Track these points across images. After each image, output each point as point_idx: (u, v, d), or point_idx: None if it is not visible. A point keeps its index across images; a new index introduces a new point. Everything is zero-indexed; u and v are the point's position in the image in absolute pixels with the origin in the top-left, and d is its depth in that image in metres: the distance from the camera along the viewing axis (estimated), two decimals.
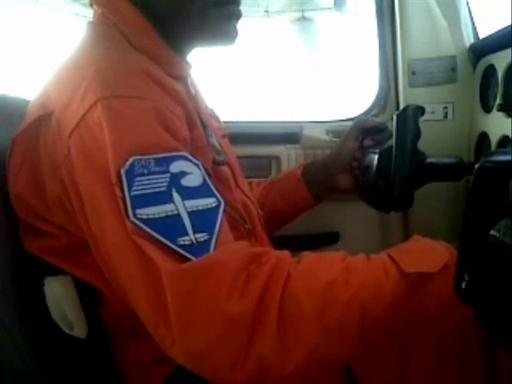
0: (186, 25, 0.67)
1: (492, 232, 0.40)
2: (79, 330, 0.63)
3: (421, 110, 0.84)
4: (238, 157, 0.86)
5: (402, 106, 1.17)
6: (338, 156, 0.94)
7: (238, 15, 0.68)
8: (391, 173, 0.81)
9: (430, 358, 0.75)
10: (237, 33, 0.68)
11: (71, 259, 0.62)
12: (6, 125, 0.65)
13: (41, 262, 0.63)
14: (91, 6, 0.69)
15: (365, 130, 0.93)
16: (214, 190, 0.55)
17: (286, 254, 0.56)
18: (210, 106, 0.85)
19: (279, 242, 0.87)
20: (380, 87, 1.23)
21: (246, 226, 0.72)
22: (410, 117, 0.82)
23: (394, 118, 0.84)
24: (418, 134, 0.82)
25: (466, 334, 0.71)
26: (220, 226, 0.52)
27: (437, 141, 1.08)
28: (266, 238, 0.82)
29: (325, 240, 1.25)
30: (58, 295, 0.63)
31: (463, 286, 0.43)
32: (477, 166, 0.42)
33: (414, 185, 0.83)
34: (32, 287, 0.62)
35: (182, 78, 0.70)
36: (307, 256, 0.57)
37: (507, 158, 0.40)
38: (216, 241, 0.51)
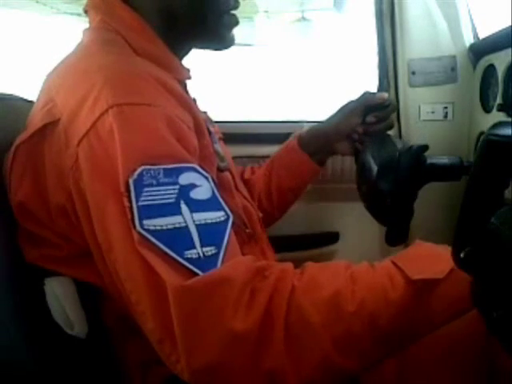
0: (197, 30, 0.68)
1: (493, 220, 0.39)
2: (80, 330, 0.63)
3: (424, 149, 0.81)
4: (238, 157, 0.87)
5: (402, 106, 1.17)
6: (339, 128, 0.93)
7: (237, 23, 0.72)
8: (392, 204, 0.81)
9: (430, 359, 0.75)
10: (234, 39, 0.72)
11: (72, 265, 0.62)
12: (4, 125, 0.65)
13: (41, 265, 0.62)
14: (86, 12, 0.68)
15: (368, 107, 0.92)
16: (223, 204, 0.54)
17: (289, 265, 0.56)
18: (203, 109, 0.85)
19: (279, 242, 0.87)
20: (380, 87, 1.23)
21: (247, 231, 0.72)
22: (413, 159, 0.80)
23: (397, 154, 0.81)
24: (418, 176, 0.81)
25: (468, 335, 0.71)
26: (228, 241, 0.51)
27: (437, 141, 1.08)
28: (266, 239, 0.82)
29: (325, 240, 1.24)
30: (59, 295, 0.62)
31: (462, 255, 0.43)
32: (482, 138, 0.41)
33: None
34: (32, 287, 0.62)
35: (182, 82, 0.70)
36: (310, 266, 0.56)
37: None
38: (224, 255, 0.50)
